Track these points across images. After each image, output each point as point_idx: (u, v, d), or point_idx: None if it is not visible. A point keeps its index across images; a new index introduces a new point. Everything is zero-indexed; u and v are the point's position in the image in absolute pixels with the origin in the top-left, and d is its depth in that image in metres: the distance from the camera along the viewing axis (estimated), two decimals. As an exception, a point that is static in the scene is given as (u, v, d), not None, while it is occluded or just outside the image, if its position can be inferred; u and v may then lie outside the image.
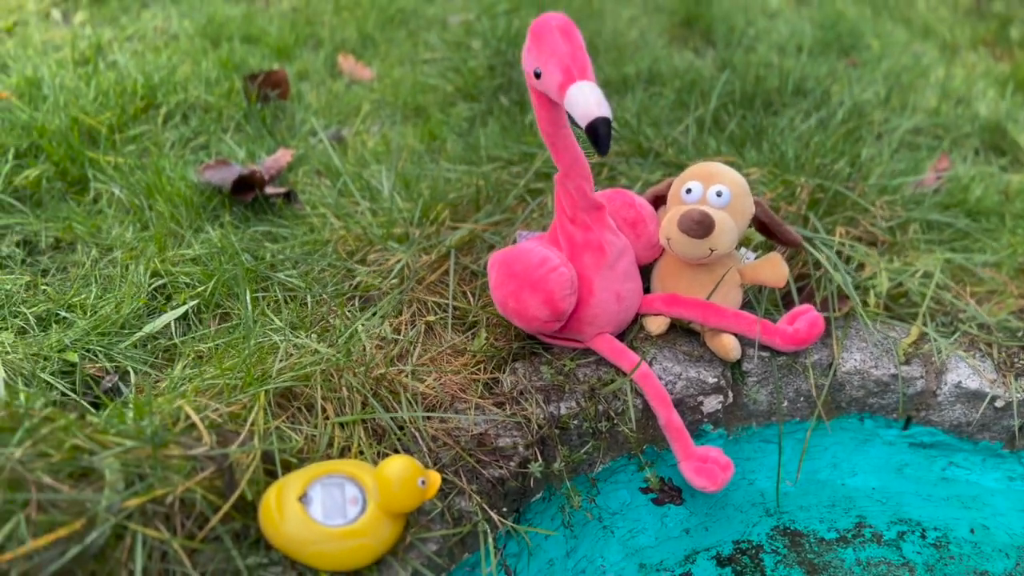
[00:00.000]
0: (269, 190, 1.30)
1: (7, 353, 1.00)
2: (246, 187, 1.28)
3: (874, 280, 1.25)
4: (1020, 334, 1.22)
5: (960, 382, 1.16)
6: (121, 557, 0.75)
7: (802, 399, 1.18)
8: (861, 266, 1.30)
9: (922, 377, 1.18)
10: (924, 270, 1.29)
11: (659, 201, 1.20)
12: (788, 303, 1.21)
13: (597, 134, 0.89)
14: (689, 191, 1.11)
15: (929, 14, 3.03)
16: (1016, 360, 1.19)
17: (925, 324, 1.21)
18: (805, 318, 1.13)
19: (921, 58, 2.56)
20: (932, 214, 1.39)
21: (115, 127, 1.45)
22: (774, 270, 1.13)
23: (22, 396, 0.84)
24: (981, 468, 1.22)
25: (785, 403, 1.18)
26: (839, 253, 1.28)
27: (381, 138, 1.60)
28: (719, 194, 1.08)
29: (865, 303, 1.24)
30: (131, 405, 0.88)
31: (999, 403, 1.16)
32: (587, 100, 0.90)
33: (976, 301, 1.28)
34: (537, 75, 0.95)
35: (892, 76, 2.29)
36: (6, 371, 0.97)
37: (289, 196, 1.31)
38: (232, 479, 0.84)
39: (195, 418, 0.85)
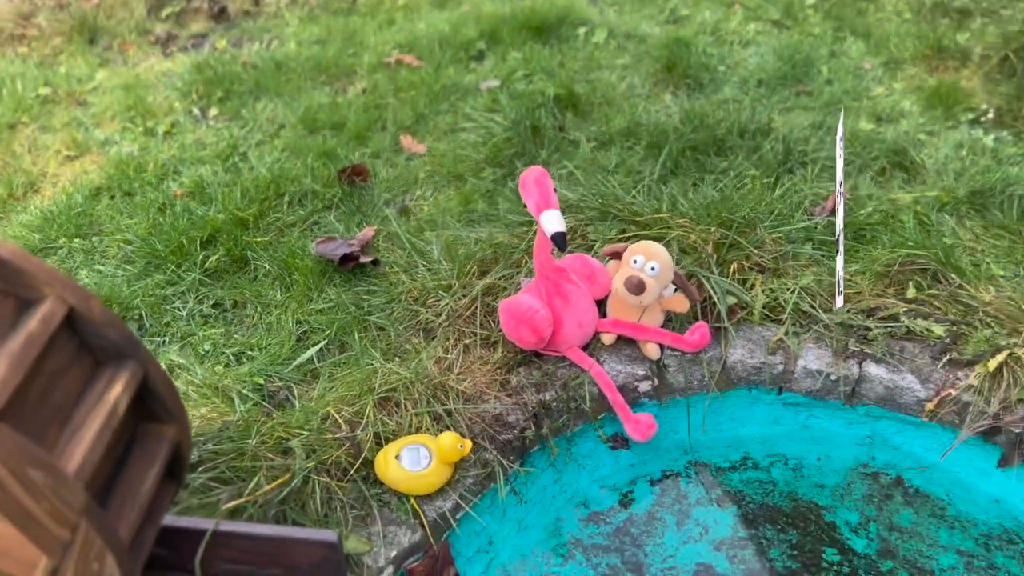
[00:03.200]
0: (363, 259, 1.93)
1: (223, 379, 1.66)
2: (348, 259, 1.92)
3: (756, 297, 1.82)
4: (855, 329, 1.77)
5: (806, 365, 1.73)
6: (308, 491, 1.40)
7: (706, 378, 1.77)
8: (751, 285, 1.86)
9: (783, 363, 1.75)
10: (797, 288, 1.85)
11: (616, 255, 1.78)
12: (696, 317, 1.79)
13: (556, 242, 1.49)
14: (636, 262, 1.68)
15: (883, 25, 3.44)
16: (848, 347, 1.75)
17: (788, 326, 1.78)
18: (699, 331, 1.71)
19: (865, 76, 3.02)
20: (808, 245, 1.93)
21: (258, 216, 2.10)
22: (681, 304, 1.72)
23: (242, 409, 1.50)
24: (830, 418, 1.79)
25: (695, 382, 1.77)
26: (734, 276, 1.85)
27: (434, 202, 2.21)
28: (653, 268, 1.66)
29: (752, 312, 1.81)
30: (299, 411, 1.53)
31: (833, 377, 1.73)
32: (551, 223, 1.49)
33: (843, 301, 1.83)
34: (525, 206, 1.55)
35: (832, 102, 2.77)
36: (224, 390, 1.63)
37: (375, 262, 1.94)
38: (359, 449, 1.48)
39: (337, 417, 1.50)
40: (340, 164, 2.29)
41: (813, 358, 1.74)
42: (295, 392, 1.65)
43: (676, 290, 1.79)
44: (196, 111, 2.70)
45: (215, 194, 2.16)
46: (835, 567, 1.53)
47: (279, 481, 1.39)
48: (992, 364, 1.66)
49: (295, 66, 2.91)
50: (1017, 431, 1.62)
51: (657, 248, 1.68)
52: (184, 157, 2.38)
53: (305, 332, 1.79)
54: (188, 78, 2.82)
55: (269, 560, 1.26)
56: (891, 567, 1.53)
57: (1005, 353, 1.66)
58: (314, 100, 2.68)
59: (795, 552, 1.56)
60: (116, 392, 0.93)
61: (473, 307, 1.82)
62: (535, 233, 1.85)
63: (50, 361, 0.89)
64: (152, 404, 1.01)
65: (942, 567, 1.53)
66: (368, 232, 2.03)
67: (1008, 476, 1.65)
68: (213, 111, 2.69)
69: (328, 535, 1.23)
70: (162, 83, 2.86)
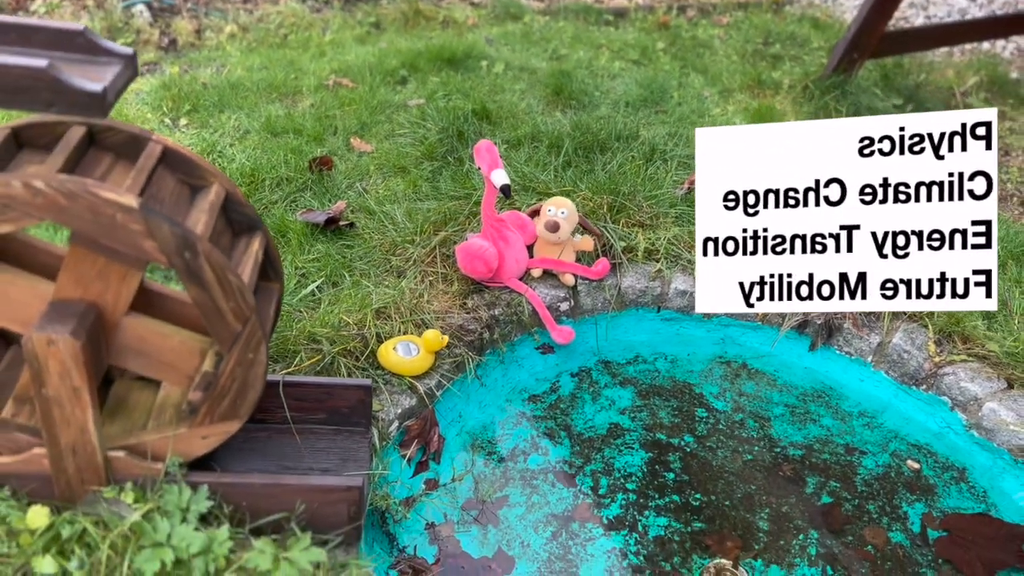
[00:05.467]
0: (341, 223, 2.37)
1: (244, 307, 2.04)
2: (331, 222, 2.35)
3: (638, 243, 2.39)
4: (709, 263, 2.37)
5: (676, 287, 2.31)
6: (335, 368, 1.83)
7: (607, 301, 2.31)
8: (635, 236, 2.43)
9: (660, 287, 2.32)
10: (667, 237, 2.43)
11: (536, 212, 2.31)
12: (599, 256, 2.34)
13: (504, 192, 2.00)
14: (550, 210, 2.22)
15: (717, 64, 4.21)
16: (704, 275, 2.34)
17: (663, 262, 2.36)
18: (601, 264, 2.26)
19: (706, 101, 3.73)
20: (672, 210, 2.53)
21: (247, 195, 2.49)
22: (587, 245, 2.27)
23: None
24: (694, 327, 2.37)
25: (599, 304, 2.31)
26: (623, 228, 2.42)
27: (385, 186, 2.67)
28: (563, 213, 2.20)
29: (637, 253, 2.38)
30: (319, 317, 1.95)
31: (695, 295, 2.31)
32: (499, 178, 2.01)
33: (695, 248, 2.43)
34: (479, 167, 2.06)
35: (683, 119, 3.44)
36: (247, 315, 2.02)
37: (351, 225, 2.38)
38: (366, 342, 1.92)
39: (349, 320, 1.93)
40: (307, 157, 2.71)
41: (681, 283, 2.33)
42: (305, 315, 2.06)
43: (583, 235, 2.34)
44: (168, 121, 3.05)
45: (207, 179, 2.53)
46: (704, 420, 2.09)
47: (314, 359, 1.81)
48: (801, 280, 2.29)
49: (249, 86, 3.31)
50: (819, 322, 2.25)
51: (564, 199, 2.24)
52: (169, 154, 2.72)
53: (303, 275, 2.20)
54: (157, 95, 3.16)
55: (317, 406, 1.67)
56: (741, 417, 2.11)
57: (809, 273, 2.30)
58: (271, 112, 3.09)
59: (676, 412, 2.11)
60: (256, 247, 1.36)
61: (433, 254, 2.29)
62: (476, 202, 2.37)
63: (216, 224, 1.31)
64: (267, 266, 1.43)
65: (775, 415, 2.12)
66: (341, 205, 2.47)
67: (815, 356, 2.28)
68: (183, 121, 3.04)
69: (365, 381, 1.67)
70: (132, 99, 3.18)
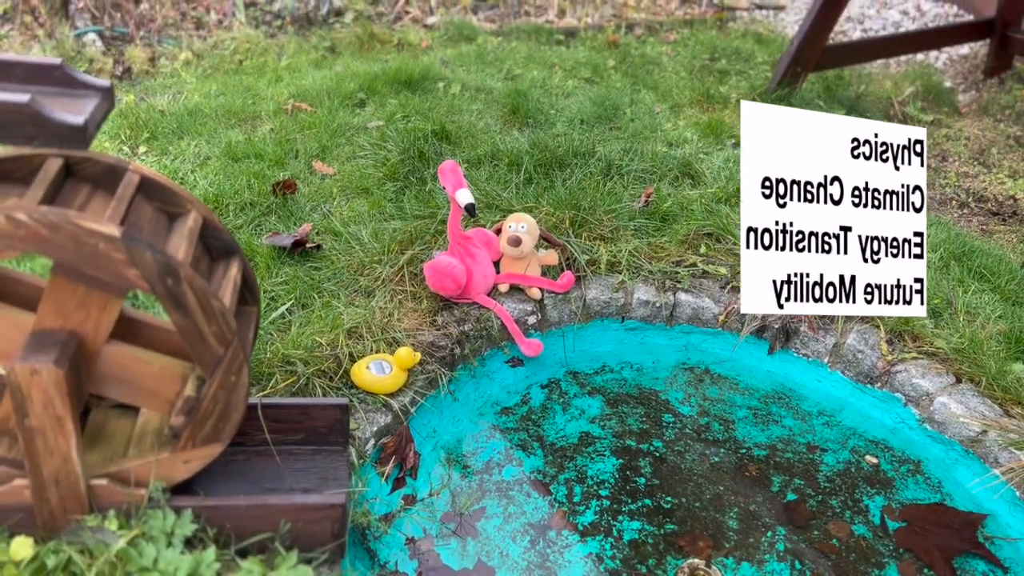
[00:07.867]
0: (308, 245, 2.39)
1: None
2: (297, 245, 2.37)
3: (601, 256, 2.46)
4: (668, 273, 2.45)
5: (639, 297, 2.38)
6: (310, 389, 1.85)
7: (573, 313, 2.37)
8: (598, 249, 2.50)
9: (623, 297, 2.39)
10: (628, 249, 2.51)
11: (500, 231, 2.36)
12: (563, 269, 2.40)
13: (468, 211, 2.05)
14: (511, 227, 2.27)
15: (666, 80, 4.33)
16: (664, 286, 2.42)
17: (625, 273, 2.43)
18: (566, 277, 2.32)
19: (658, 116, 3.84)
20: (632, 223, 2.61)
21: (212, 220, 2.49)
22: (551, 258, 2.33)
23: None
24: (657, 335, 2.44)
25: (565, 316, 2.37)
26: (585, 241, 2.48)
27: (349, 207, 2.70)
28: (523, 227, 2.26)
29: (599, 267, 2.45)
30: (291, 339, 1.97)
31: (657, 304, 2.39)
32: (464, 197, 2.06)
33: (655, 259, 2.51)
34: (443, 188, 2.10)
35: (636, 134, 3.54)
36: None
37: (318, 247, 2.41)
38: (339, 362, 1.95)
39: (321, 340, 1.95)
40: (270, 181, 2.73)
41: (643, 293, 2.40)
42: (277, 338, 2.08)
43: (547, 250, 2.40)
44: (127, 149, 3.03)
45: (170, 206, 2.53)
46: (671, 424, 2.16)
47: (289, 381, 1.83)
48: (757, 286, 2.38)
49: (208, 112, 3.31)
50: (776, 326, 2.34)
51: (523, 215, 2.30)
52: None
53: (273, 298, 2.21)
54: (114, 123, 3.14)
55: (295, 427, 1.69)
56: (707, 421, 2.18)
57: (765, 279, 2.39)
58: (231, 137, 3.10)
59: (644, 418, 2.17)
60: (234, 272, 1.38)
61: (401, 273, 2.32)
62: (441, 220, 2.41)
63: (195, 250, 1.34)
64: (244, 290, 1.46)
65: (739, 417, 2.20)
66: (306, 227, 2.49)
67: (774, 359, 2.37)
68: (142, 149, 3.03)
69: (341, 400, 1.69)
70: (87, 127, 3.15)
